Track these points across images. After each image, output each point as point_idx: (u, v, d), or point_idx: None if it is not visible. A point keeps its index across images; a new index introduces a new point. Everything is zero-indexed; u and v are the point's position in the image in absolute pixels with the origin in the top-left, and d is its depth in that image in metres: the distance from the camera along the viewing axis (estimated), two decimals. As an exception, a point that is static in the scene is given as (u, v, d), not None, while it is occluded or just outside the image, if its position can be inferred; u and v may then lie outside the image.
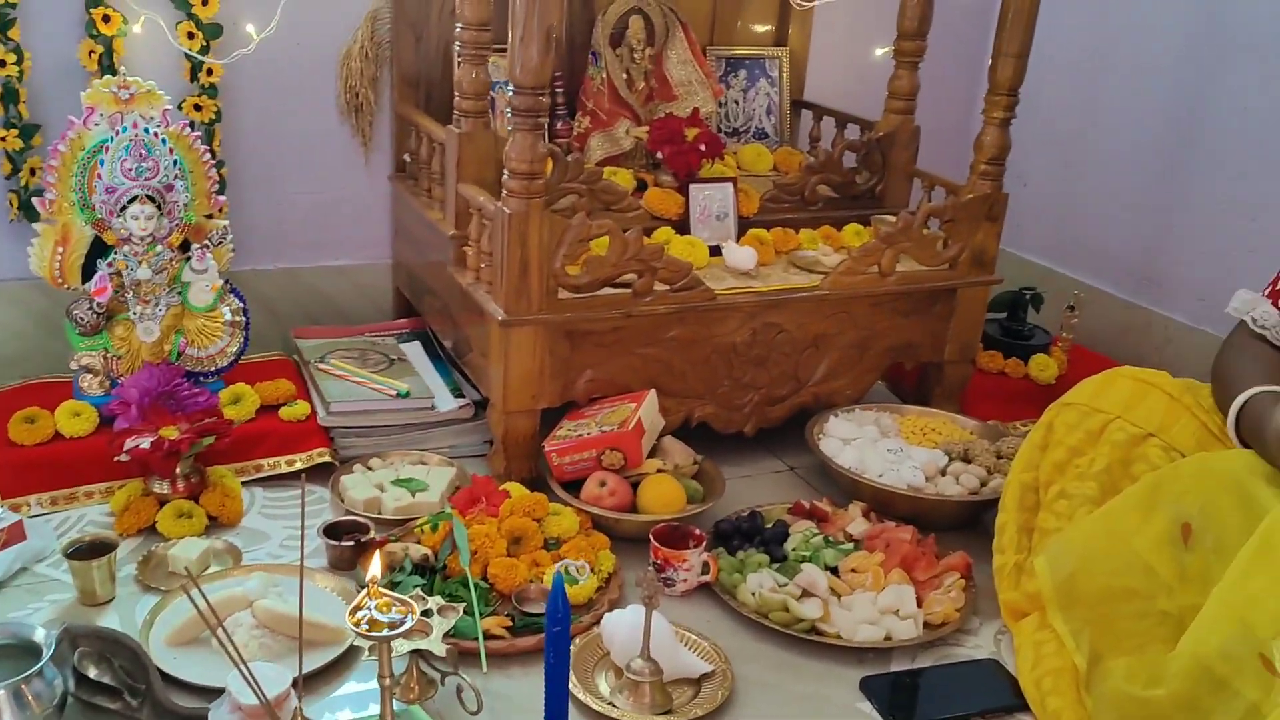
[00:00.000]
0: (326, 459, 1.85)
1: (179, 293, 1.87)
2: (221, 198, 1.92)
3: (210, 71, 2.05)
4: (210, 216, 1.90)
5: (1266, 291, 1.60)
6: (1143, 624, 1.36)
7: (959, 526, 1.81)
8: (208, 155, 1.87)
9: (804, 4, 1.94)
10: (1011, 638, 1.53)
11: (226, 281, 1.92)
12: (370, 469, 1.85)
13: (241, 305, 1.93)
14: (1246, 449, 1.41)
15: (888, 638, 1.52)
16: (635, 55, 2.27)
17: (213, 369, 1.91)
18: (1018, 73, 1.94)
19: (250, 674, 1.09)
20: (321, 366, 2.03)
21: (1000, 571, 1.58)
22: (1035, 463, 1.59)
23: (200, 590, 1.04)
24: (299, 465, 1.84)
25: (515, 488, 1.72)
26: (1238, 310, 1.60)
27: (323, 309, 2.32)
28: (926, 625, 1.56)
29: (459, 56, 1.92)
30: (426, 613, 1.32)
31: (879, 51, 2.21)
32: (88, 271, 1.83)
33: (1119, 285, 2.51)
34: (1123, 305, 2.48)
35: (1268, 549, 1.26)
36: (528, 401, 1.81)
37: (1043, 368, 2.23)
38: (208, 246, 1.87)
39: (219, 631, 1.07)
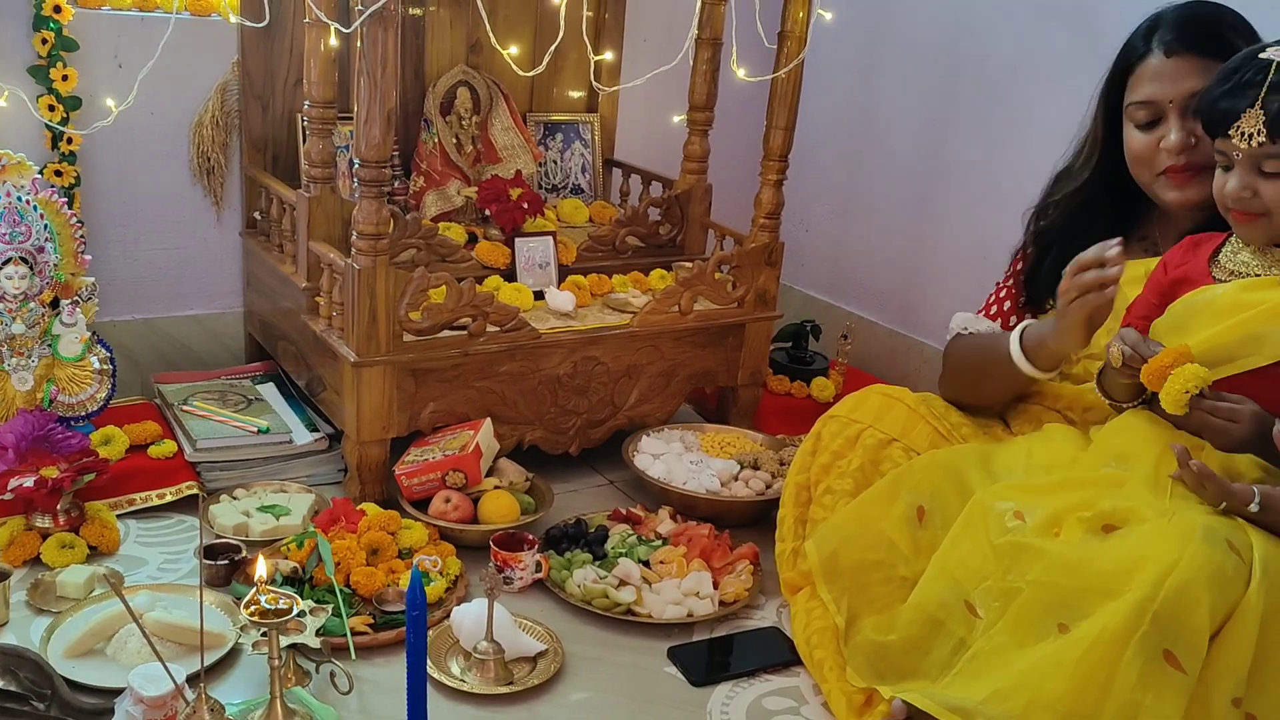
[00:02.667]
0: (194, 491, 2.03)
1: (50, 345, 2.03)
2: (87, 256, 2.09)
3: (70, 140, 2.23)
4: (75, 274, 2.08)
5: (981, 313, 1.98)
6: (888, 588, 1.63)
7: (749, 523, 2.12)
8: (74, 219, 2.05)
9: (605, 89, 2.25)
10: (789, 609, 1.81)
11: (93, 333, 2.09)
12: (235, 499, 2.04)
13: (108, 354, 2.10)
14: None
15: (690, 615, 1.81)
16: (463, 122, 2.54)
17: (83, 414, 2.07)
18: (786, 142, 2.27)
19: (164, 663, 1.31)
20: (186, 408, 2.22)
21: (781, 556, 1.84)
22: (807, 466, 1.83)
23: (122, 597, 1.25)
24: (169, 498, 2.02)
25: (370, 507, 1.94)
26: (959, 327, 1.97)
27: (180, 355, 2.49)
28: (722, 603, 1.85)
29: (307, 130, 2.16)
30: (300, 614, 1.56)
31: (675, 119, 2.54)
32: (-39, 328, 1.98)
33: (884, 316, 2.89)
34: (887, 333, 2.86)
35: (969, 523, 1.57)
36: (378, 432, 2.03)
37: (823, 388, 2.59)
38: (76, 302, 2.05)
39: (139, 622, 1.28)
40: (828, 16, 2.17)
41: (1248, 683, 1.30)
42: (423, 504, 2.00)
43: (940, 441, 1.80)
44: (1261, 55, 1.40)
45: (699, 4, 2.35)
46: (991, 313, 1.93)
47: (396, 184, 2.47)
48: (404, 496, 2.01)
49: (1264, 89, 1.37)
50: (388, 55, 1.81)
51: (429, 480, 2.00)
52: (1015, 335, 1.73)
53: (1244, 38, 1.63)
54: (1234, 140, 1.41)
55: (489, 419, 2.09)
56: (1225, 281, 1.52)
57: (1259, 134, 1.38)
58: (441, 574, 1.83)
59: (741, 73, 2.12)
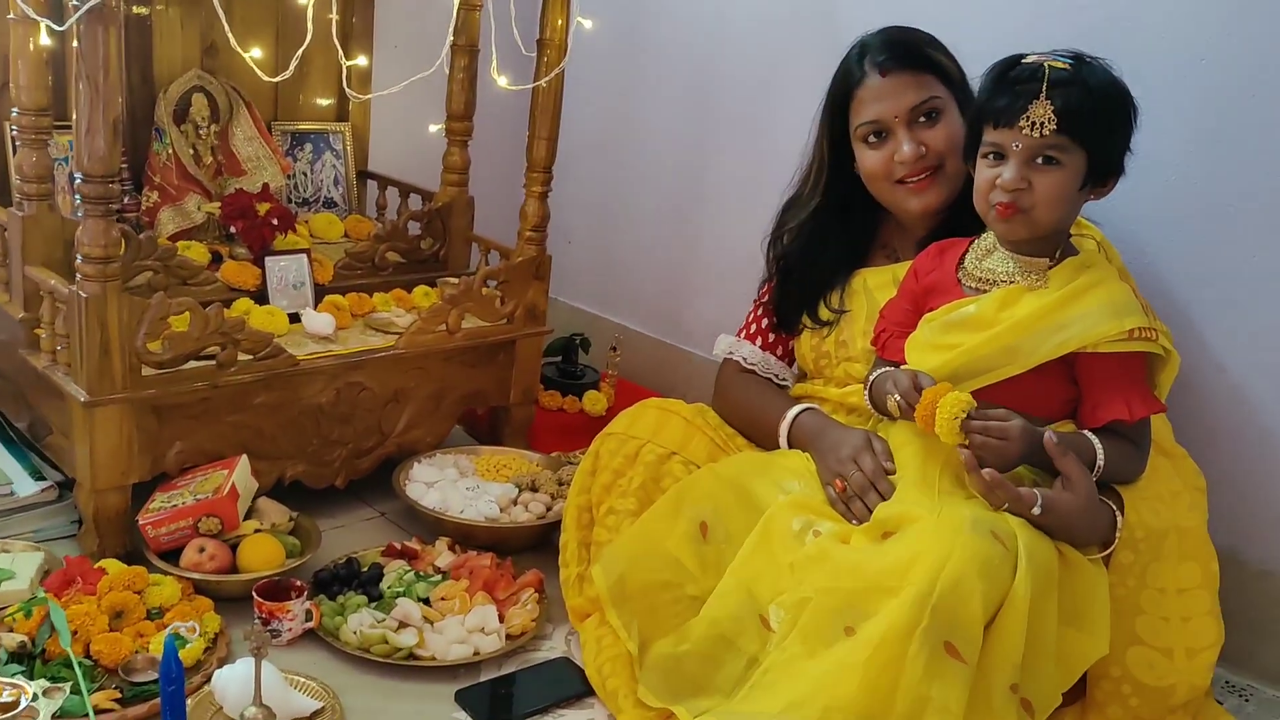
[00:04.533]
0: (-107, 559, 1.79)
1: None
2: None
3: None
4: None
5: (743, 333, 2.01)
6: (677, 608, 1.63)
7: (532, 548, 2.06)
8: None
9: (357, 96, 2.14)
10: (578, 636, 1.78)
11: None
12: (-54, 563, 1.81)
13: None
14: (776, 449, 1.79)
15: (476, 653, 1.74)
16: (201, 132, 2.34)
17: None
18: (550, 153, 2.24)
19: None
20: (-122, 462, 1.94)
21: (566, 582, 1.81)
22: (587, 486, 1.83)
23: None
24: None
25: (112, 564, 1.76)
26: (725, 352, 2.00)
27: None
28: (509, 637, 1.78)
29: (16, 140, 1.93)
30: (33, 699, 1.37)
31: (433, 129, 2.44)
32: None
33: (651, 327, 2.89)
34: (655, 344, 2.86)
35: (766, 537, 1.61)
36: (117, 478, 1.84)
37: (595, 402, 2.57)
38: None
39: None
40: (587, 25, 2.14)
41: (1021, 669, 1.39)
42: (173, 555, 1.83)
43: (717, 452, 1.84)
44: (1026, 61, 1.50)
45: (455, 9, 2.26)
46: (751, 332, 1.99)
47: (126, 200, 2.26)
48: (150, 549, 1.83)
49: (1044, 84, 1.46)
50: (110, 57, 1.65)
51: (179, 528, 1.83)
52: (785, 427, 1.79)
53: (942, 52, 1.77)
54: (1021, 128, 1.48)
55: (245, 456, 1.95)
56: (973, 288, 1.62)
57: (1049, 123, 1.46)
58: (199, 634, 1.67)
59: (502, 81, 2.05)
